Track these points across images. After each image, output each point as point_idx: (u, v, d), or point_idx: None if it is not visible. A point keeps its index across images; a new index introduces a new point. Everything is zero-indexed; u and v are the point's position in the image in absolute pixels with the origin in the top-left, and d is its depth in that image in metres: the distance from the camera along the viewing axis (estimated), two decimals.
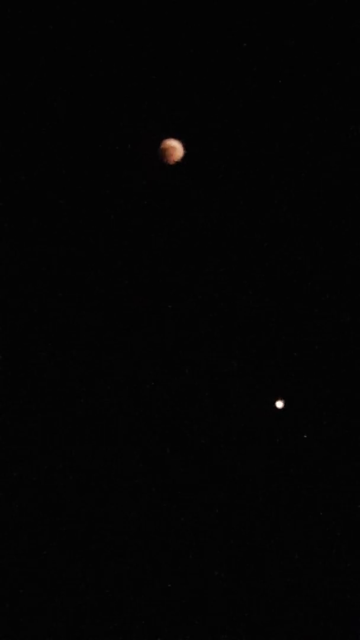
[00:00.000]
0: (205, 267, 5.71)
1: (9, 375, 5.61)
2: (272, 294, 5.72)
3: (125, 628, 5.50)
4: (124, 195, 5.67)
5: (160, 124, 5.60)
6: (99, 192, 5.67)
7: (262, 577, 5.59)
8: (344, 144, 5.67)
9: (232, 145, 5.66)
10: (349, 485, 5.64)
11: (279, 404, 5.69)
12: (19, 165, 5.63)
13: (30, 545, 5.53)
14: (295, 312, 5.72)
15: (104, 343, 5.69)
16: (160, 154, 5.60)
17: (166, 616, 5.54)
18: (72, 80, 5.59)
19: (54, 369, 5.65)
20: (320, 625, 5.54)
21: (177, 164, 5.62)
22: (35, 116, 5.61)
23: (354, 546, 5.60)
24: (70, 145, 5.63)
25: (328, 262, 5.71)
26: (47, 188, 5.64)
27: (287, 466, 5.67)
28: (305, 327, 5.73)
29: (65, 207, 5.66)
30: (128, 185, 5.66)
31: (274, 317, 5.71)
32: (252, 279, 5.72)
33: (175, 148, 5.59)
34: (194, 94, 5.62)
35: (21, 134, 5.61)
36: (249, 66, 5.60)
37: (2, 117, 5.60)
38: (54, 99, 5.60)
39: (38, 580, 5.51)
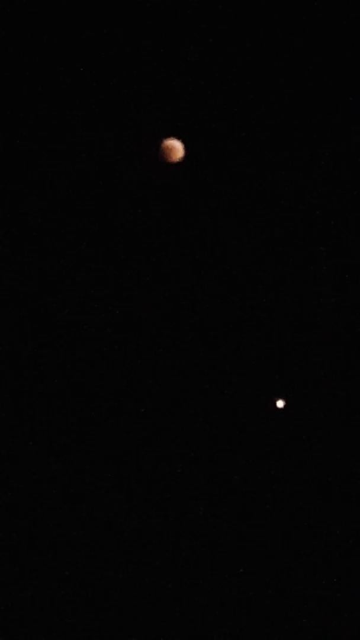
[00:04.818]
0: (206, 266, 5.72)
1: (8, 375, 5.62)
2: (272, 294, 5.72)
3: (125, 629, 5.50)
4: (124, 195, 5.67)
5: (161, 123, 5.61)
6: (98, 191, 5.67)
7: (263, 578, 5.59)
8: (344, 143, 5.68)
9: (232, 145, 5.66)
10: (349, 485, 5.65)
11: (279, 404, 5.69)
12: (19, 165, 5.64)
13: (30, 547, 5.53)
14: (295, 312, 5.72)
15: (103, 342, 5.69)
16: (160, 154, 5.60)
17: (165, 619, 5.54)
18: (72, 80, 5.60)
19: (51, 369, 5.66)
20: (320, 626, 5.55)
21: (178, 163, 5.62)
22: (35, 116, 5.62)
23: (354, 546, 5.60)
24: (69, 145, 5.64)
25: (329, 261, 5.72)
26: (46, 188, 5.65)
27: (287, 466, 5.66)
28: (305, 326, 5.73)
29: (65, 207, 5.66)
30: (128, 185, 5.66)
31: (274, 317, 5.72)
32: (253, 279, 5.72)
33: (175, 148, 5.60)
34: (195, 93, 5.63)
35: (21, 133, 5.62)
36: (249, 66, 5.61)
37: (1, 117, 5.61)
38: (54, 99, 5.61)
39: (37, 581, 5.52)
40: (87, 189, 5.66)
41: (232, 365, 5.71)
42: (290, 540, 5.62)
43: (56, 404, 5.64)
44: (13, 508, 5.54)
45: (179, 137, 5.62)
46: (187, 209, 5.70)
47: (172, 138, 5.61)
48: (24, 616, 5.46)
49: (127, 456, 5.63)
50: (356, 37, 5.58)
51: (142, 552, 5.57)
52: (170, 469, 5.65)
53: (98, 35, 5.58)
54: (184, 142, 5.62)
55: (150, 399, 5.68)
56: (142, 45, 5.59)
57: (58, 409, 5.63)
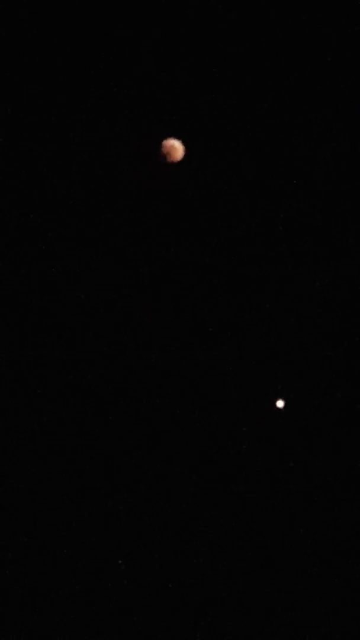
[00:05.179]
0: (206, 266, 5.72)
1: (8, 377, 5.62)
2: (272, 294, 5.72)
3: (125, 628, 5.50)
4: (125, 195, 5.67)
5: (161, 123, 5.61)
6: (99, 191, 5.67)
7: (263, 578, 5.59)
8: (345, 142, 5.69)
9: (233, 145, 5.67)
10: (349, 485, 5.65)
11: (279, 404, 5.69)
12: (19, 166, 5.64)
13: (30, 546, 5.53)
14: (295, 312, 5.72)
15: (104, 342, 5.69)
16: (161, 154, 5.60)
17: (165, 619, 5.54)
18: (72, 80, 5.60)
19: (52, 371, 5.66)
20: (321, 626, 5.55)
21: (178, 163, 5.62)
22: (36, 116, 5.62)
23: (355, 546, 5.60)
24: (70, 145, 5.64)
25: (329, 262, 5.72)
26: (46, 188, 5.65)
27: (287, 466, 5.66)
28: (305, 327, 5.73)
29: (65, 207, 5.66)
30: (128, 185, 5.66)
31: (275, 317, 5.72)
32: (253, 279, 5.72)
33: (176, 148, 5.60)
34: (195, 93, 5.63)
35: (21, 133, 5.62)
36: (249, 65, 5.61)
37: (1, 116, 5.60)
38: (55, 99, 5.61)
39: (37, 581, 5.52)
40: (87, 189, 5.66)
41: (232, 365, 5.71)
42: (291, 540, 5.62)
43: (56, 404, 5.64)
44: (13, 508, 5.54)
45: (179, 137, 5.61)
46: (187, 209, 5.70)
47: (172, 138, 5.61)
48: (24, 616, 5.46)
49: (127, 456, 5.63)
50: (356, 37, 5.58)
51: (141, 553, 5.57)
52: (170, 469, 5.64)
53: (98, 35, 5.58)
54: (184, 142, 5.62)
55: (151, 399, 5.68)
56: (142, 45, 5.59)
57: (58, 408, 5.64)
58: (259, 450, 5.66)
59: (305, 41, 5.60)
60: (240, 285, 5.72)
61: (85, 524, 5.57)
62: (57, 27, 5.58)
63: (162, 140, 5.61)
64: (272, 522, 5.63)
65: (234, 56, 5.60)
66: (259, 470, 5.66)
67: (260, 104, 5.65)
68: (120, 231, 5.68)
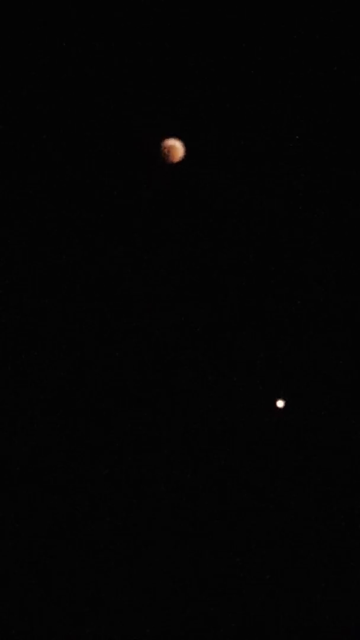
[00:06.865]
0: (205, 267, 5.72)
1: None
2: (272, 294, 5.72)
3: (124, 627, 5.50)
4: (124, 195, 5.67)
5: (161, 123, 5.61)
6: (99, 192, 5.67)
7: (262, 578, 5.59)
8: (346, 142, 5.69)
9: (232, 145, 5.67)
10: (349, 485, 5.65)
11: (279, 404, 5.69)
12: (19, 165, 5.64)
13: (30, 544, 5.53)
14: (295, 312, 5.72)
15: (104, 341, 5.69)
16: (160, 154, 5.60)
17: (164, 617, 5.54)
18: (72, 80, 5.60)
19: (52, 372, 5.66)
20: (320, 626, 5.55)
21: (178, 163, 5.63)
22: (36, 116, 5.62)
23: (354, 546, 5.60)
24: (70, 145, 5.64)
25: (329, 261, 5.72)
26: (47, 188, 5.65)
27: (287, 466, 5.67)
28: (305, 327, 5.73)
29: (65, 207, 5.66)
30: (128, 185, 5.66)
31: (275, 317, 5.72)
32: (252, 279, 5.72)
33: (175, 148, 5.60)
34: (195, 93, 5.63)
35: (21, 133, 5.62)
36: (249, 65, 5.62)
37: (2, 117, 5.61)
38: (55, 99, 5.61)
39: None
40: (88, 189, 5.66)
41: (232, 365, 5.71)
42: (291, 540, 5.63)
43: (55, 404, 5.65)
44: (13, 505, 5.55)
45: (179, 137, 5.62)
46: (187, 209, 5.70)
47: (172, 138, 5.61)
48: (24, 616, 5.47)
49: (126, 456, 5.63)
50: (356, 37, 5.58)
51: (139, 553, 5.57)
52: (170, 469, 5.65)
53: (99, 35, 5.58)
54: (184, 142, 5.62)
55: (151, 399, 5.68)
56: (143, 45, 5.59)
57: (57, 408, 5.64)
58: (259, 450, 5.66)
59: (305, 40, 5.60)
60: (240, 285, 5.72)
61: (84, 523, 5.57)
62: (57, 26, 5.58)
63: (162, 140, 5.61)
64: (272, 521, 5.63)
65: (234, 56, 5.60)
66: (259, 470, 5.66)
67: (260, 104, 5.65)
68: (120, 231, 5.69)
